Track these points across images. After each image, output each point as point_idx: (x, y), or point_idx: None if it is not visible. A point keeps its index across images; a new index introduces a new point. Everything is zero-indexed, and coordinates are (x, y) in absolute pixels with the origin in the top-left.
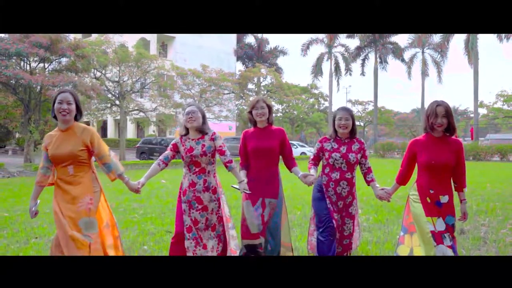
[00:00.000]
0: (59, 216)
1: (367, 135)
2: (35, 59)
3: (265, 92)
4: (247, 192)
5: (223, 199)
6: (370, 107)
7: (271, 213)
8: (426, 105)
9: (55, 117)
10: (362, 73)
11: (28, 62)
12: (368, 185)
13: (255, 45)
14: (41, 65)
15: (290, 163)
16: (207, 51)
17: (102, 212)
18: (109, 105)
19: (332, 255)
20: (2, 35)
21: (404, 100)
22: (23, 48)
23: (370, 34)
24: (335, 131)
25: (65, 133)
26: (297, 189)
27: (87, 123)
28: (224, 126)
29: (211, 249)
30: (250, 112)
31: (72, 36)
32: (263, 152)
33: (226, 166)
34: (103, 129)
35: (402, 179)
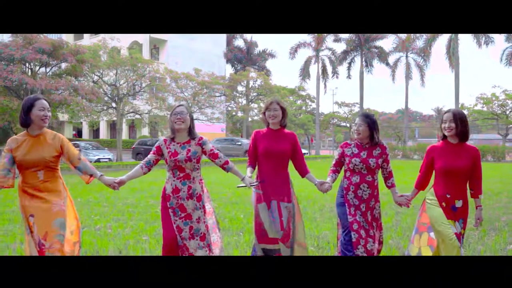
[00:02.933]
0: (31, 225)
1: (352, 136)
2: (36, 63)
3: (255, 95)
4: (254, 185)
5: (208, 207)
6: (356, 109)
7: (290, 219)
8: (410, 107)
9: (25, 124)
10: (348, 76)
11: (30, 67)
12: (388, 188)
13: (245, 48)
14: (42, 69)
15: (303, 169)
16: (198, 54)
17: (70, 217)
18: (105, 107)
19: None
20: (6, 41)
21: (389, 101)
22: (27, 54)
23: (356, 39)
24: None
25: (35, 138)
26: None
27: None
28: (217, 128)
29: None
30: (264, 113)
31: (64, 37)
32: (274, 154)
33: (224, 168)
34: (95, 131)
35: (421, 185)
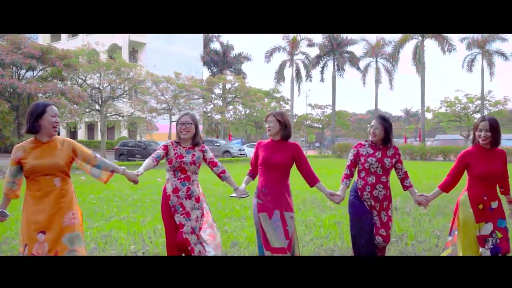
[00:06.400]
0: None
1: (325, 136)
2: (23, 67)
3: (232, 97)
4: (245, 196)
5: (206, 208)
6: (329, 111)
7: (294, 227)
8: (379, 108)
9: (33, 130)
10: (321, 80)
11: (17, 71)
12: (405, 190)
13: (221, 51)
14: (29, 73)
15: (312, 180)
16: (175, 57)
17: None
18: (87, 110)
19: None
20: None
21: (360, 103)
22: (18, 59)
23: (329, 44)
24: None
25: (46, 145)
26: None
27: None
28: None
29: (198, 253)
30: None
31: (40, 38)
32: (272, 165)
33: (220, 177)
34: (73, 132)
35: (447, 187)
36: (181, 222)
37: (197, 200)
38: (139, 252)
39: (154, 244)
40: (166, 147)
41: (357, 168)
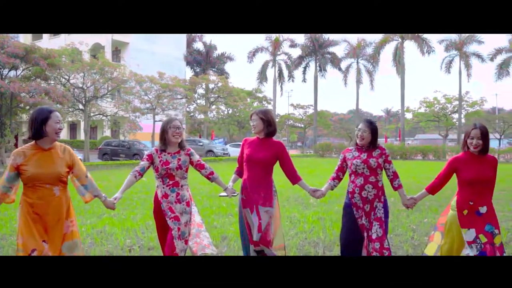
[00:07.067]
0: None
1: (307, 135)
2: (6, 66)
3: (215, 97)
4: (235, 194)
5: (194, 210)
6: (311, 110)
7: (270, 222)
8: (361, 108)
9: (38, 136)
10: (304, 80)
11: (0, 70)
12: (395, 190)
13: (204, 51)
14: (12, 72)
15: (294, 178)
16: (158, 57)
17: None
18: (71, 109)
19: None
20: None
21: (341, 103)
22: (1, 58)
23: (311, 45)
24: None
25: (47, 152)
26: None
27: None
28: None
29: None
30: None
31: (22, 37)
32: (255, 162)
33: (209, 178)
34: None
35: (433, 190)
36: (169, 225)
37: (187, 204)
38: (135, 246)
39: (148, 238)
40: (150, 157)
41: (348, 173)
